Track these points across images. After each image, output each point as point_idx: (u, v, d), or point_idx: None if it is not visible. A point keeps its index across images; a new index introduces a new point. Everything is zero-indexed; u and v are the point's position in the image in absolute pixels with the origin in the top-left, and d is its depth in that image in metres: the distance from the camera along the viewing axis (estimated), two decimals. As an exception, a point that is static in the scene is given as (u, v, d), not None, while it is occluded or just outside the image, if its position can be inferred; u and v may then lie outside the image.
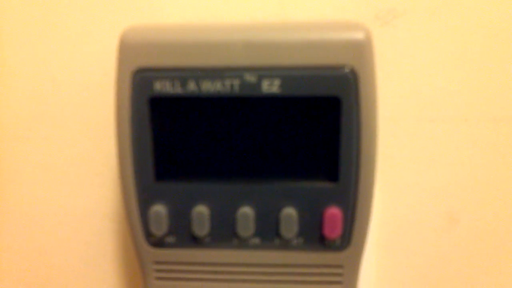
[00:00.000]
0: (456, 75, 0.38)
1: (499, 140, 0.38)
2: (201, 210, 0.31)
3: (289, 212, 0.31)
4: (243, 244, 0.32)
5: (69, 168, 0.42)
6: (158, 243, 0.33)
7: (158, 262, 0.33)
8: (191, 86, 0.30)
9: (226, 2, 0.38)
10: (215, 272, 0.33)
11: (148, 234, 0.32)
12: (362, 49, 0.29)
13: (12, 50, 0.40)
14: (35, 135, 0.41)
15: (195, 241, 0.32)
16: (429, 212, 0.40)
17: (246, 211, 0.31)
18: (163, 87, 0.30)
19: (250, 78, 0.29)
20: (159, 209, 0.32)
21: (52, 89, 0.40)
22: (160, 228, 0.32)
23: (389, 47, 0.37)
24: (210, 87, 0.30)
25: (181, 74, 0.29)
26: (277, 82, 0.29)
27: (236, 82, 0.29)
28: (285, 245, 0.32)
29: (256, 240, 0.32)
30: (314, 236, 0.32)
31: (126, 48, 0.30)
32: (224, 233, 0.32)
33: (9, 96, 0.40)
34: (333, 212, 0.31)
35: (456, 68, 0.38)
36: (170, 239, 0.32)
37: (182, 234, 0.32)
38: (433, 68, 0.38)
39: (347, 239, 0.32)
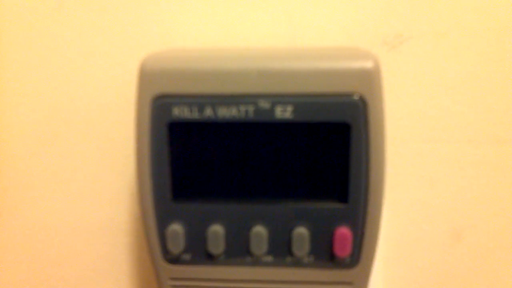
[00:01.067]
0: (460, 98, 0.39)
1: (501, 161, 0.40)
2: (216, 229, 0.33)
3: (301, 231, 0.32)
4: (256, 261, 0.33)
5: (86, 184, 0.43)
6: (174, 260, 0.34)
7: (174, 278, 0.35)
8: (208, 112, 0.31)
9: (239, 27, 0.39)
10: (229, 289, 0.34)
11: (165, 252, 0.34)
12: (371, 77, 0.30)
13: (34, 70, 0.41)
14: (54, 152, 0.43)
15: (210, 259, 0.34)
16: (434, 229, 0.41)
17: (260, 230, 0.33)
18: (181, 112, 0.31)
19: (264, 104, 0.31)
20: (176, 228, 0.33)
21: (72, 109, 0.41)
22: (177, 246, 0.33)
23: (396, 71, 0.39)
24: (226, 112, 0.31)
25: (199, 100, 0.31)
26: (290, 108, 0.31)
27: (251, 108, 0.31)
28: (297, 262, 0.33)
29: (269, 258, 0.33)
30: (325, 254, 0.33)
31: (146, 75, 0.31)
32: (238, 251, 0.33)
33: (30, 115, 0.42)
34: (343, 232, 0.32)
35: (460, 91, 0.39)
36: (186, 257, 0.34)
37: (198, 252, 0.34)
38: (438, 91, 0.39)
39: (357, 257, 0.33)
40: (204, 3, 0.39)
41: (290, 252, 0.33)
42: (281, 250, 0.33)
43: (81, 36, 0.40)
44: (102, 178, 0.43)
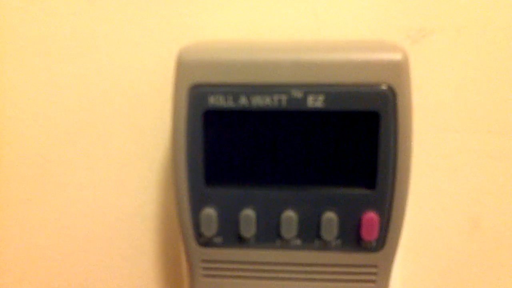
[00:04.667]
0: (480, 90, 0.40)
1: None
2: (248, 213, 0.34)
3: (330, 216, 0.34)
4: (285, 245, 0.35)
5: (115, 172, 0.44)
6: (207, 243, 0.35)
7: (206, 261, 0.36)
8: (243, 101, 0.32)
9: (267, 21, 0.41)
10: (259, 271, 0.36)
11: (199, 235, 0.35)
12: (400, 68, 0.32)
13: (72, 60, 0.43)
14: (85, 140, 0.44)
15: (241, 242, 0.35)
16: (453, 216, 0.43)
17: (290, 215, 0.34)
18: (216, 101, 0.33)
19: (297, 94, 0.32)
20: (209, 212, 0.34)
21: (106, 98, 0.43)
22: (210, 229, 0.35)
23: (419, 64, 0.40)
24: (259, 101, 0.32)
25: (234, 89, 0.32)
26: (321, 98, 0.32)
27: (284, 97, 0.32)
28: (325, 246, 0.35)
29: (298, 241, 0.35)
30: (352, 238, 0.34)
31: (183, 66, 0.33)
32: (268, 235, 0.35)
33: (66, 103, 0.43)
34: (371, 217, 0.34)
35: (480, 83, 0.40)
36: (218, 240, 0.35)
37: (230, 235, 0.35)
38: (459, 83, 0.40)
39: (382, 241, 0.34)
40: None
41: (318, 236, 0.34)
42: (310, 234, 0.34)
43: (118, 28, 0.42)
44: (132, 166, 0.44)
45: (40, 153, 0.45)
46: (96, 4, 0.41)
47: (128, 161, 0.44)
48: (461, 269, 0.43)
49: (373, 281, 0.36)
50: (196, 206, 0.35)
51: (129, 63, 0.42)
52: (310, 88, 0.32)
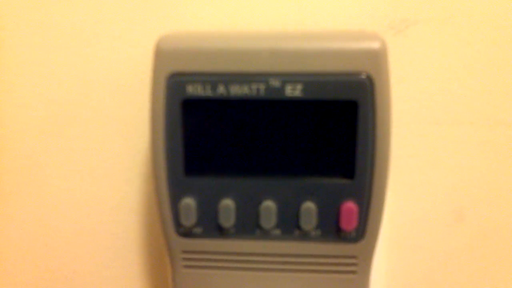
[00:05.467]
0: (463, 81, 0.40)
1: (502, 143, 0.41)
2: (227, 203, 0.34)
3: (309, 206, 0.34)
4: (265, 235, 0.35)
5: (99, 164, 0.44)
6: (186, 233, 0.35)
7: (186, 251, 0.36)
8: (221, 90, 0.32)
9: (249, 11, 0.41)
10: (239, 261, 0.36)
11: (178, 225, 0.35)
12: (378, 57, 0.32)
13: (49, 51, 0.42)
14: (67, 132, 0.44)
15: (221, 232, 0.35)
16: (437, 209, 0.43)
17: (269, 205, 0.34)
18: (195, 90, 0.33)
19: (275, 83, 0.32)
20: (188, 202, 0.34)
21: (87, 89, 0.43)
22: (189, 219, 0.35)
23: (402, 55, 0.40)
24: (238, 90, 0.32)
25: (212, 78, 0.32)
26: (299, 87, 0.32)
27: (262, 87, 0.32)
28: (304, 236, 0.35)
29: (277, 232, 0.35)
30: (331, 229, 0.34)
31: (161, 54, 0.33)
32: (248, 225, 0.35)
33: (46, 95, 0.43)
34: (349, 206, 0.34)
35: (463, 75, 0.40)
36: (198, 230, 0.35)
37: (209, 225, 0.35)
38: (441, 75, 0.40)
39: (362, 231, 0.34)
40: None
41: (298, 226, 0.34)
42: (289, 224, 0.34)
43: (100, 20, 0.42)
44: (115, 159, 0.44)
45: (24, 145, 0.45)
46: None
47: (112, 152, 0.44)
48: (445, 261, 0.43)
49: (353, 272, 0.36)
50: (175, 196, 0.35)
51: (110, 55, 0.42)
52: (288, 77, 0.32)
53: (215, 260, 0.36)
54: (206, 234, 0.35)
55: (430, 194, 0.42)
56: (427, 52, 0.40)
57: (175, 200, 0.35)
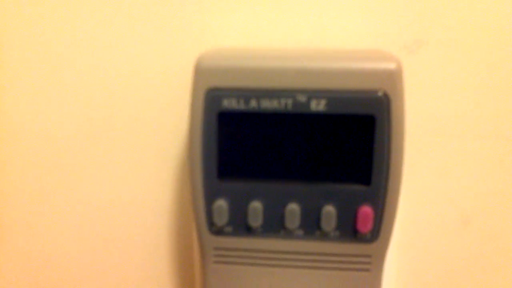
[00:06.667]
0: (472, 98, 0.44)
1: (504, 155, 0.44)
2: (256, 205, 0.38)
3: (329, 209, 0.37)
4: (289, 235, 0.38)
5: (135, 169, 0.48)
6: (218, 232, 0.39)
7: (217, 248, 0.40)
8: (253, 104, 0.36)
9: (275, 30, 0.44)
10: (265, 258, 0.39)
11: (211, 224, 0.39)
12: (394, 76, 0.35)
13: (98, 63, 0.46)
14: (108, 139, 0.48)
15: (249, 231, 0.39)
16: (445, 214, 0.46)
17: (293, 207, 0.38)
18: (230, 103, 0.36)
19: (301, 98, 0.36)
20: (221, 204, 0.38)
21: (126, 99, 0.47)
22: (221, 219, 0.38)
23: (414, 73, 0.43)
24: (268, 104, 0.36)
25: (245, 93, 0.36)
26: (323, 102, 0.36)
27: (289, 101, 0.36)
28: (324, 236, 0.38)
29: (300, 232, 0.38)
30: (349, 230, 0.38)
31: (200, 71, 0.36)
32: (274, 225, 0.38)
33: (90, 103, 0.47)
34: (366, 210, 0.37)
35: (472, 91, 0.44)
36: (229, 229, 0.39)
37: (239, 225, 0.39)
38: (451, 91, 0.44)
39: (376, 233, 0.38)
40: (246, 9, 0.44)
41: (319, 227, 0.38)
42: (311, 225, 0.38)
43: (142, 36, 0.45)
44: (150, 164, 0.48)
45: (64, 151, 0.48)
46: (119, 9, 0.45)
47: (147, 159, 0.48)
48: (451, 261, 0.47)
49: (367, 270, 0.39)
50: (209, 198, 0.38)
51: (151, 69, 0.46)
52: (313, 93, 0.36)
53: (243, 257, 0.40)
54: (236, 233, 0.39)
55: (439, 200, 0.46)
56: (438, 70, 0.44)
57: (209, 202, 0.38)
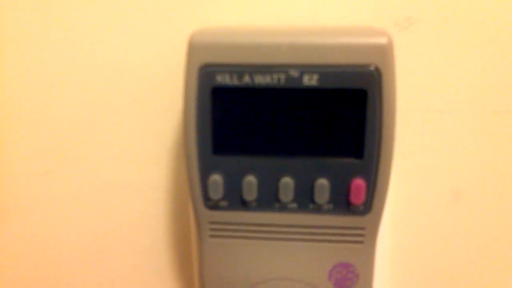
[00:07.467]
0: (462, 74, 0.44)
1: (497, 129, 0.45)
2: (250, 179, 0.39)
3: (322, 182, 0.38)
4: (283, 208, 0.39)
5: (131, 148, 0.49)
6: (214, 206, 0.40)
7: (212, 222, 0.41)
8: (246, 79, 0.37)
9: (269, 9, 0.45)
10: (260, 231, 0.40)
11: (206, 199, 0.40)
12: (385, 51, 0.36)
13: (90, 45, 0.47)
14: (102, 119, 0.48)
15: (244, 205, 0.40)
16: (436, 190, 0.47)
17: (287, 181, 0.38)
18: (223, 79, 0.37)
19: (294, 73, 0.36)
20: (216, 178, 0.39)
21: (121, 79, 0.47)
22: (216, 193, 0.39)
23: (406, 49, 0.44)
24: (261, 80, 0.37)
25: (238, 69, 0.37)
26: (315, 77, 0.36)
27: (282, 76, 0.36)
28: (318, 209, 0.39)
29: (294, 205, 0.39)
30: (342, 203, 0.39)
31: (194, 48, 0.37)
32: (268, 199, 0.39)
33: (84, 84, 0.48)
34: (358, 183, 0.38)
35: (462, 67, 0.44)
36: (224, 203, 0.40)
37: (234, 199, 0.39)
38: (442, 67, 0.44)
39: (369, 205, 0.39)
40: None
41: (312, 200, 0.39)
42: (305, 198, 0.39)
43: (135, 14, 0.46)
44: (146, 143, 0.48)
45: (62, 131, 0.49)
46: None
47: (142, 136, 0.48)
48: (442, 232, 0.48)
49: (361, 242, 0.40)
50: (204, 173, 0.39)
51: (145, 47, 0.46)
52: (306, 68, 0.36)
53: (239, 231, 0.40)
54: (231, 207, 0.40)
55: (432, 174, 0.46)
56: (428, 47, 0.44)
57: (204, 177, 0.39)
